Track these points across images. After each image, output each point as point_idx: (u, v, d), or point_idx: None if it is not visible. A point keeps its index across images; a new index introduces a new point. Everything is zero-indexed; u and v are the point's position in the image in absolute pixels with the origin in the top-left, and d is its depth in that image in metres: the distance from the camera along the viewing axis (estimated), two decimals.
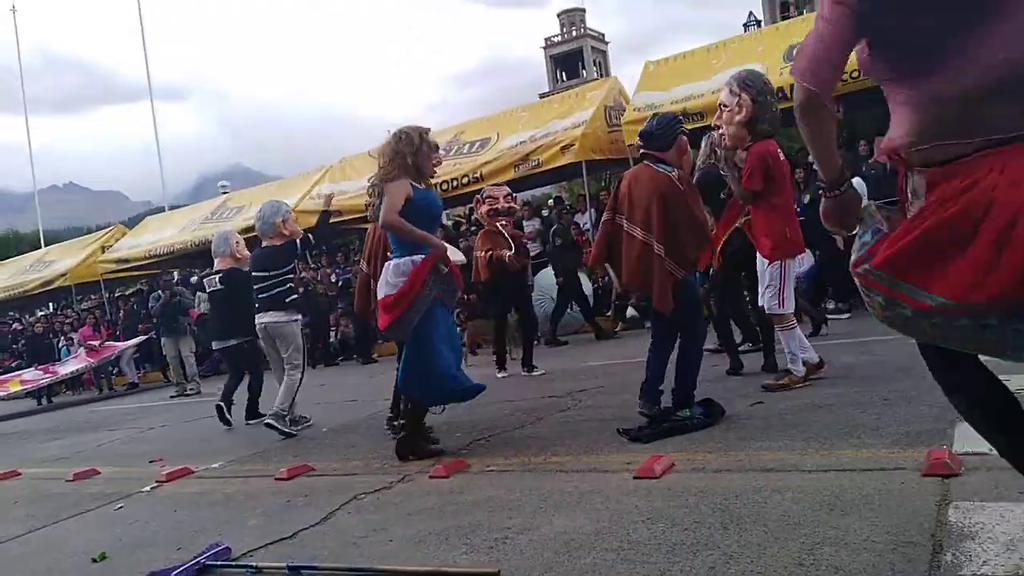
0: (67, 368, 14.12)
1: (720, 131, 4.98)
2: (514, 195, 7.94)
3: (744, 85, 4.72)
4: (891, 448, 3.31)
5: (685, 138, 4.58)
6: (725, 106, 4.83)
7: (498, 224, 7.45)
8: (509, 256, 7.20)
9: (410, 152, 4.41)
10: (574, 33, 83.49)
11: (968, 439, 3.21)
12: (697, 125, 10.57)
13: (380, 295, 4.49)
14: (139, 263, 16.93)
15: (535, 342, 8.01)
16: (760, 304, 5.10)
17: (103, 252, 17.94)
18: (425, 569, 2.66)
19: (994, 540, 2.24)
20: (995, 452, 2.99)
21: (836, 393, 4.55)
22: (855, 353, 5.97)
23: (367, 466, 4.55)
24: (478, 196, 7.80)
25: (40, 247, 23.93)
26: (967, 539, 2.28)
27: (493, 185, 8.52)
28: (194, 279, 17.64)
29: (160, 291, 12.32)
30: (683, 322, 4.48)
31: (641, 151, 4.60)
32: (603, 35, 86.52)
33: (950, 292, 1.73)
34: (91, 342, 14.29)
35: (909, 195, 1.89)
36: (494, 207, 7.39)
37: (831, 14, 1.80)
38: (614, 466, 3.66)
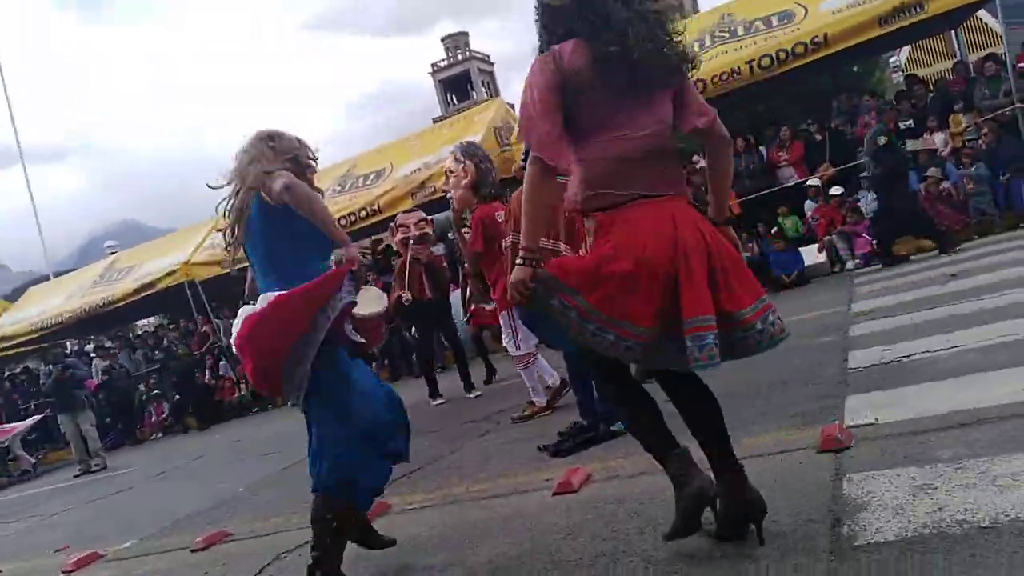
0: None
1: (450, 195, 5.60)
2: (428, 219, 7.87)
3: (468, 153, 5.41)
4: (788, 430, 3.47)
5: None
6: (451, 172, 5.43)
7: (412, 252, 7.35)
8: (398, 296, 7.18)
9: (293, 151, 3.05)
10: (459, 57, 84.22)
11: (858, 410, 3.43)
12: None
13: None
14: (25, 338, 15.94)
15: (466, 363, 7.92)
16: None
17: None
18: None
19: (884, 507, 2.39)
20: (881, 420, 3.23)
21: (734, 383, 4.71)
22: None
23: (287, 521, 4.41)
24: (391, 224, 7.71)
25: None
26: (861, 509, 2.42)
27: (404, 212, 8.34)
28: (89, 347, 16.77)
29: (51, 366, 11.64)
30: None
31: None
32: (488, 56, 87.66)
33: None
34: None
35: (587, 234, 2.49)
36: (406, 236, 7.31)
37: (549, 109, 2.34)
38: (534, 485, 3.69)
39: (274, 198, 2.81)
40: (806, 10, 10.14)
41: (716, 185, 2.63)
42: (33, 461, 14.28)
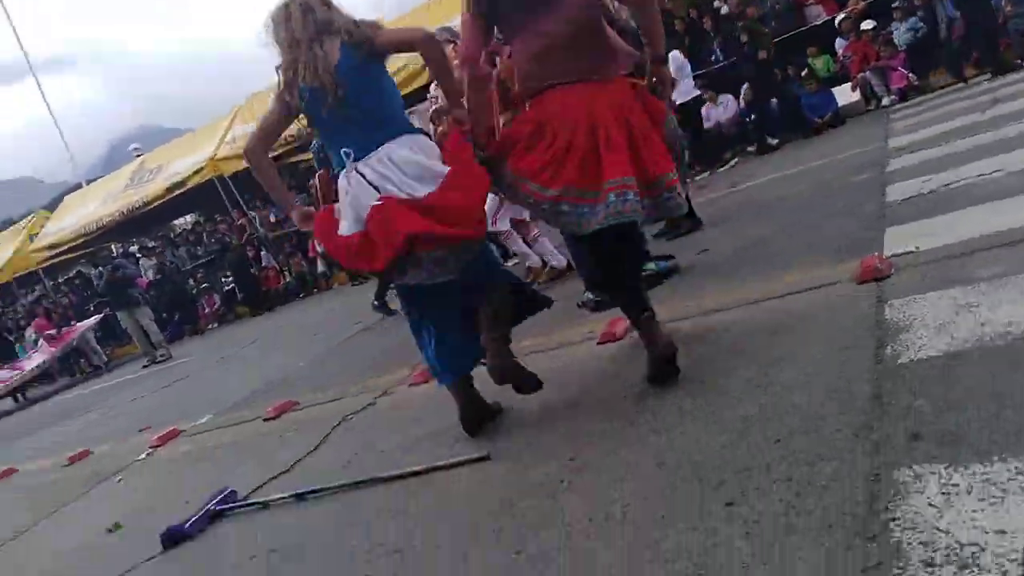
0: (32, 363, 13.91)
1: None
2: None
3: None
4: (828, 267, 3.49)
5: None
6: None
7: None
8: None
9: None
10: None
11: (898, 240, 3.44)
12: None
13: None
14: (71, 244, 16.42)
15: None
16: None
17: (31, 241, 17.32)
18: (420, 468, 2.82)
19: (927, 326, 2.44)
20: (921, 248, 3.24)
21: (772, 226, 4.75)
22: (782, 186, 6.19)
23: (348, 390, 4.68)
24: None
25: None
26: (903, 331, 2.48)
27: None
28: (133, 248, 17.24)
29: (101, 267, 12.02)
30: None
31: None
32: None
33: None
34: (48, 332, 14.03)
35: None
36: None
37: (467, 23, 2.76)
38: (578, 338, 3.83)
39: (396, 45, 2.84)
40: None
41: (646, 30, 2.82)
42: (105, 358, 15.08)
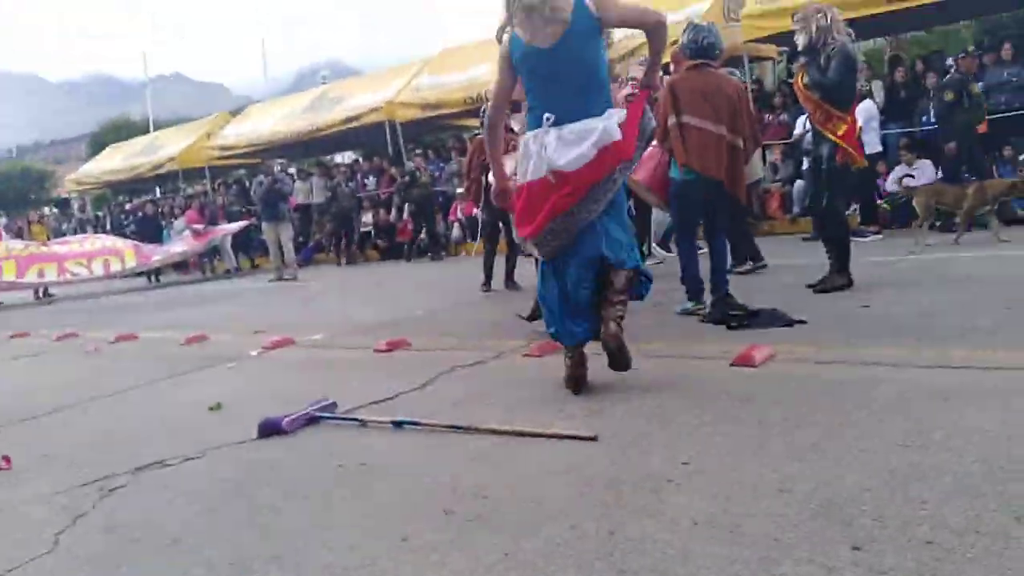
0: (176, 248, 14.91)
1: None
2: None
3: None
4: (1010, 349, 3.14)
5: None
6: None
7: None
8: None
9: None
10: None
11: None
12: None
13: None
14: (241, 151, 17.46)
15: None
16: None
17: (208, 139, 18.55)
18: (525, 429, 2.74)
19: None
20: None
21: (949, 300, 4.35)
22: (974, 264, 5.66)
23: (462, 344, 4.67)
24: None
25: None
26: None
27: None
28: (291, 169, 18.10)
29: (263, 176, 12.67)
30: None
31: (700, 61, 4.70)
32: None
33: None
34: (196, 226, 14.99)
35: None
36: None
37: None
38: (711, 354, 3.63)
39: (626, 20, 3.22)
40: None
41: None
42: (236, 263, 15.98)
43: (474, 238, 13.42)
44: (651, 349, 3.91)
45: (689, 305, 4.80)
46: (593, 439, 2.58)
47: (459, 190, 14.01)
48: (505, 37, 3.14)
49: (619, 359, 3.08)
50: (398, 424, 3.01)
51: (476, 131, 9.23)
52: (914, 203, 7.38)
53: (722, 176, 4.63)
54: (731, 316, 4.34)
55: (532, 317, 4.70)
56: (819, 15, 4.85)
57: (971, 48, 11.64)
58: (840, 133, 4.86)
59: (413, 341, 4.90)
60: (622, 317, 3.09)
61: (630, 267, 3.12)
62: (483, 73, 12.84)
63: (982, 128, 9.30)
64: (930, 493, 1.90)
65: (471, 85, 13.21)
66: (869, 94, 9.78)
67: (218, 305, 9.47)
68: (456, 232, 13.94)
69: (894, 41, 14.66)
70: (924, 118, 9.68)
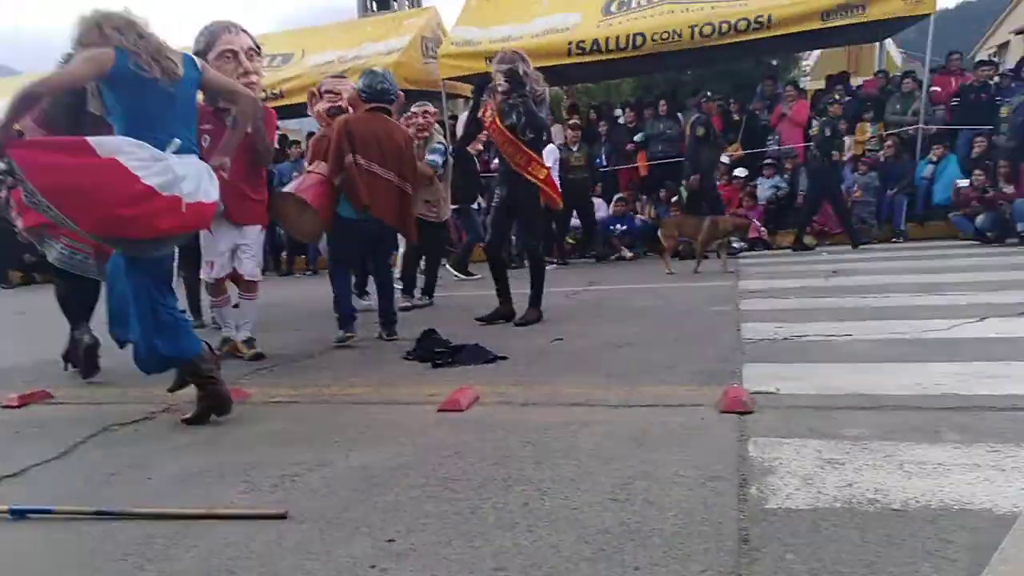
0: None
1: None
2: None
3: None
4: (688, 385, 3.37)
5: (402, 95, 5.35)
6: (259, 54, 4.64)
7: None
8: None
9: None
10: None
11: (757, 379, 3.38)
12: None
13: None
14: None
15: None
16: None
17: None
18: (195, 512, 2.23)
19: (793, 474, 2.30)
20: (782, 391, 3.18)
21: (634, 333, 4.65)
22: (645, 296, 6.21)
23: (123, 394, 3.92)
24: (313, 90, 6.21)
25: None
26: (768, 474, 2.31)
27: (333, 78, 6.92)
28: None
29: None
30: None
31: (372, 104, 4.88)
32: None
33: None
34: None
35: None
36: (336, 104, 6.22)
37: None
38: (416, 398, 3.41)
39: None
40: None
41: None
42: None
43: None
44: (356, 395, 3.59)
45: (341, 334, 4.85)
46: (282, 517, 2.18)
47: None
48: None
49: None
50: (18, 513, 2.31)
51: None
52: (659, 234, 8.12)
53: (394, 222, 4.90)
54: (435, 353, 4.20)
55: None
56: (523, 61, 5.04)
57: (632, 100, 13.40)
58: (542, 177, 5.09)
59: (57, 392, 4.00)
60: None
61: None
62: None
63: (643, 171, 10.64)
64: (643, 556, 1.84)
65: None
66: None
67: None
68: None
69: (569, 90, 16.19)
70: (597, 161, 10.74)
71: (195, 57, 3.37)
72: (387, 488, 2.36)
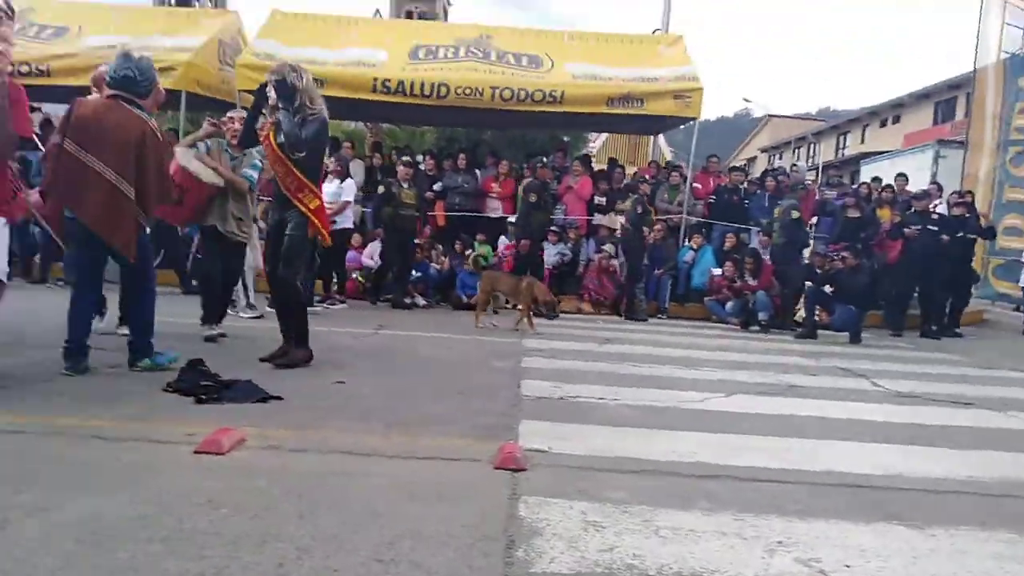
0: None
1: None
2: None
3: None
4: (466, 439, 3.37)
5: (163, 88, 4.59)
6: (10, 17, 3.95)
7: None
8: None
9: None
10: None
11: (532, 436, 3.45)
12: (324, 93, 10.18)
13: None
14: None
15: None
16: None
17: None
18: None
19: (559, 537, 2.34)
20: (554, 450, 3.27)
21: (418, 382, 4.59)
22: (432, 345, 6.19)
23: None
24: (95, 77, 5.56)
25: None
26: (536, 535, 2.34)
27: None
28: None
29: None
30: (143, 269, 4.43)
31: (113, 93, 4.29)
32: None
33: None
34: None
35: None
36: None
37: None
38: (172, 436, 3.06)
39: None
40: (553, 63, 10.79)
41: None
42: None
43: None
44: (98, 427, 3.15)
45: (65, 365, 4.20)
46: None
47: None
48: None
49: None
50: None
51: None
52: (477, 285, 8.12)
53: (97, 225, 4.15)
54: (201, 387, 3.83)
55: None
56: (294, 73, 4.68)
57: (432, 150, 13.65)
58: (313, 207, 4.75)
59: None
60: None
61: None
62: None
63: (440, 221, 10.77)
64: None
65: None
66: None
67: None
68: None
69: (374, 128, 16.12)
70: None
71: None
72: (120, 542, 2.06)
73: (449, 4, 77.33)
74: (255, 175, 5.95)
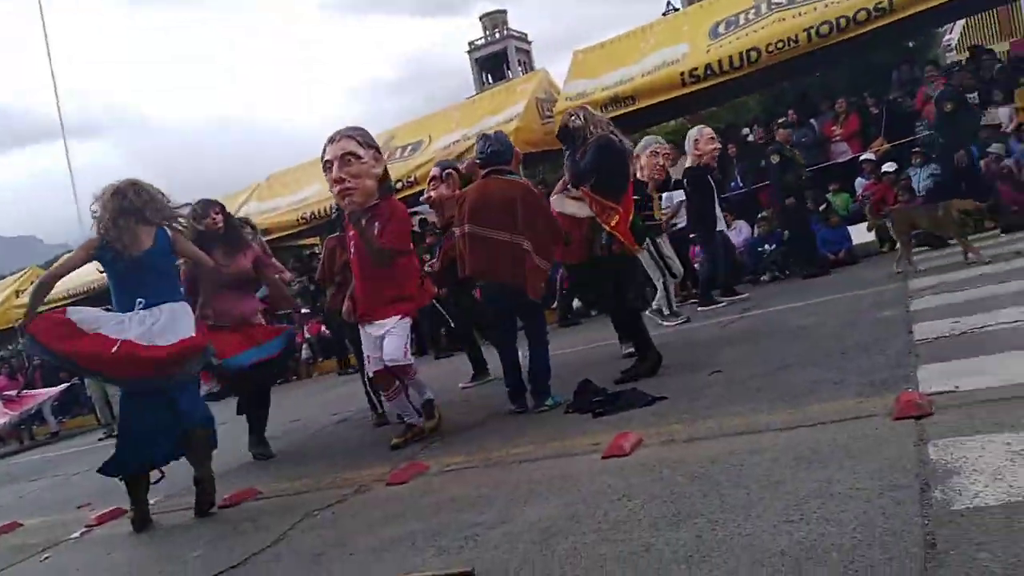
0: None
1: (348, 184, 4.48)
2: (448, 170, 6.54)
3: (369, 140, 4.60)
4: (858, 398, 3.24)
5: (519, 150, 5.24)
6: (358, 157, 4.46)
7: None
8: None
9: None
10: (497, 35, 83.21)
11: (934, 379, 3.19)
12: (629, 108, 10.55)
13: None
14: (56, 304, 15.94)
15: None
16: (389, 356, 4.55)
17: (17, 297, 16.86)
18: None
19: (980, 471, 2.17)
20: (962, 388, 2.99)
21: (795, 354, 4.50)
22: (802, 315, 5.97)
23: (318, 483, 4.27)
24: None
25: None
26: (953, 474, 2.20)
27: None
28: None
29: None
30: (540, 317, 5.09)
31: (487, 170, 4.88)
32: (526, 35, 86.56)
33: None
34: (8, 392, 13.32)
35: None
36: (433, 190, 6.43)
37: None
38: (581, 449, 3.50)
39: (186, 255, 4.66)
40: None
41: None
42: (58, 427, 14.36)
43: (327, 356, 12.97)
44: (524, 453, 3.73)
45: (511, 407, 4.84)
46: (469, 574, 2.32)
47: (304, 310, 13.56)
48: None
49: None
50: None
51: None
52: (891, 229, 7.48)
53: (511, 280, 4.69)
54: (594, 403, 4.27)
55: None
56: (570, 117, 5.11)
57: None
58: (613, 224, 4.90)
59: (263, 487, 4.44)
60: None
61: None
62: (314, 193, 12.78)
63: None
64: (822, 573, 1.81)
65: (303, 205, 13.05)
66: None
67: (36, 479, 8.33)
68: (306, 352, 13.41)
69: (694, 117, 15.95)
70: (733, 183, 10.47)
71: (167, 228, 4.29)
72: (563, 537, 2.45)
73: None
74: None
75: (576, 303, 10.45)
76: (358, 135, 4.57)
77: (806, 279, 8.30)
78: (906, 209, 7.36)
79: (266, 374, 5.52)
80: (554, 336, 7.68)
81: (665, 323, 7.02)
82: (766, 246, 9.47)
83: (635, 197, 6.77)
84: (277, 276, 5.68)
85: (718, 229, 8.14)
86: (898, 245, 7.10)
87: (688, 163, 8.04)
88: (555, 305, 10.55)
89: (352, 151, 4.44)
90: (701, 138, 7.94)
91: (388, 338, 4.50)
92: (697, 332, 5.98)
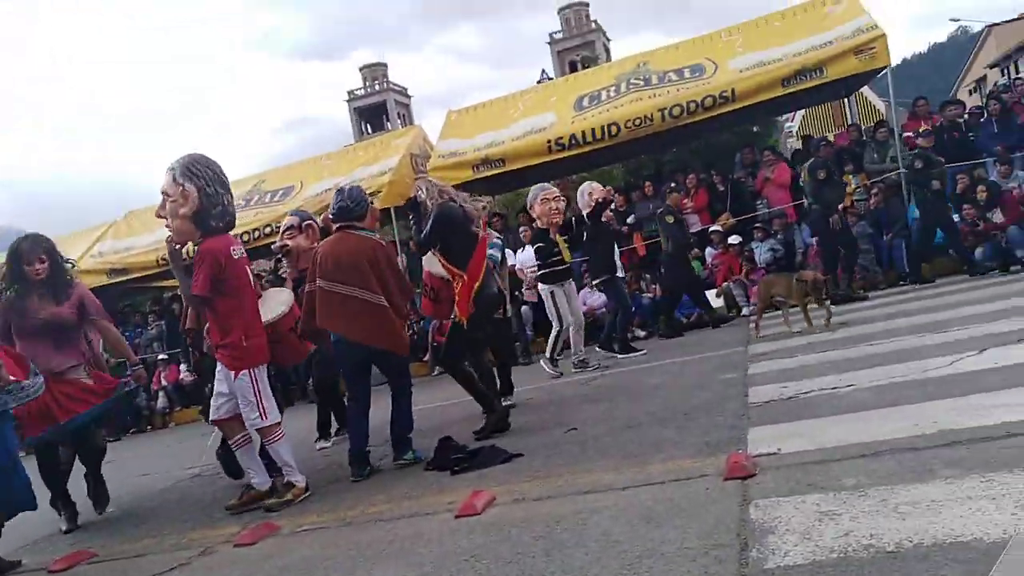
0: None
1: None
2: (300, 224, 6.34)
3: (189, 174, 4.19)
4: (695, 458, 3.47)
5: (376, 207, 5.25)
6: (167, 195, 4.24)
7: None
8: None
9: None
10: (377, 87, 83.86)
11: (761, 441, 3.48)
12: (499, 170, 11.06)
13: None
14: None
15: None
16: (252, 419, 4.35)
17: None
18: None
19: (792, 531, 2.38)
20: (784, 450, 3.28)
21: (646, 412, 4.76)
22: (658, 374, 6.32)
23: (160, 543, 4.06)
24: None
25: None
26: (768, 534, 2.40)
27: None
28: None
29: None
30: (406, 371, 5.12)
31: (339, 225, 4.89)
32: (406, 89, 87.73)
33: None
34: None
35: None
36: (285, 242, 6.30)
37: None
38: (436, 507, 3.54)
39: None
40: (716, 66, 10.67)
41: None
42: None
43: (185, 405, 12.32)
44: (379, 512, 3.71)
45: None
46: None
47: (161, 356, 12.85)
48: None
49: None
50: None
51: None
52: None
53: (373, 341, 4.67)
54: (453, 460, 4.33)
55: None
56: (418, 191, 5.31)
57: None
58: (457, 289, 5.10)
59: (100, 549, 4.16)
60: None
61: None
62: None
63: (641, 251, 10.89)
64: None
65: (162, 245, 12.44)
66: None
67: None
68: (162, 401, 12.70)
69: (562, 183, 16.71)
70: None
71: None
72: None
73: (608, 40, 78.64)
74: (498, 254, 6.47)
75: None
76: (178, 167, 4.21)
77: (662, 338, 8.82)
78: (769, 278, 8.00)
79: (88, 433, 5.09)
80: (421, 389, 7.74)
81: (549, 370, 7.35)
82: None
83: (539, 244, 7.09)
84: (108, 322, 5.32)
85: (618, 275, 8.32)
86: (746, 310, 7.70)
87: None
88: (426, 357, 10.58)
89: (164, 189, 4.24)
90: (535, 201, 7.42)
91: (240, 402, 4.29)
92: (563, 388, 6.20)
